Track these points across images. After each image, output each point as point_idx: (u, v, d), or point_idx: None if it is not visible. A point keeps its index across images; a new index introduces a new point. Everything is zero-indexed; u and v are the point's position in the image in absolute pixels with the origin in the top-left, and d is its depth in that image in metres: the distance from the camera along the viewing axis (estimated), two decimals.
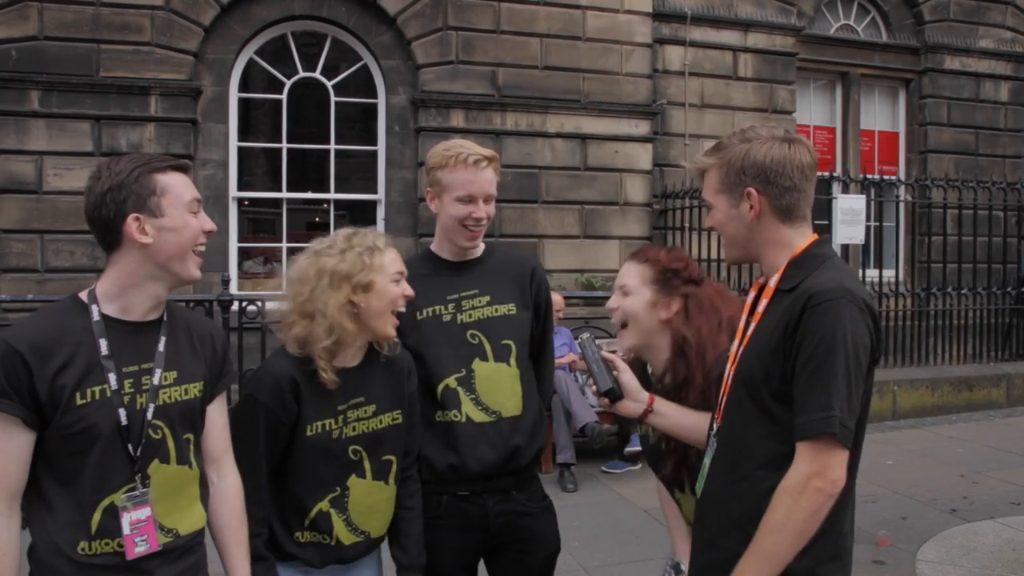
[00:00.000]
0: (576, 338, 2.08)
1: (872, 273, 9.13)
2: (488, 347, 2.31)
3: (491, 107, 8.19)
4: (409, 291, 2.06)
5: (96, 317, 1.68)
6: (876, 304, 1.70)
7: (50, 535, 1.64)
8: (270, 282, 8.07)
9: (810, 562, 1.58)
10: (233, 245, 7.84)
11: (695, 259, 8.73)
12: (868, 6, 10.47)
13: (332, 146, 8.14)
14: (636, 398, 1.97)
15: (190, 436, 1.79)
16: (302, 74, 8.04)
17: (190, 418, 1.79)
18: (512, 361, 2.34)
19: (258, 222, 8.61)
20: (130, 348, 1.70)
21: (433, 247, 2.43)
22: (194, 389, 1.79)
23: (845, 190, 8.81)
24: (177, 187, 1.72)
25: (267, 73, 8.00)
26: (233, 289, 6.43)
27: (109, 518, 1.66)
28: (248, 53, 7.88)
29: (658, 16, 8.93)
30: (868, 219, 8.45)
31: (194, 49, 7.48)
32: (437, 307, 2.32)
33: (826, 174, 8.46)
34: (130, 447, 1.67)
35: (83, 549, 1.64)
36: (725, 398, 1.76)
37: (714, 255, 7.98)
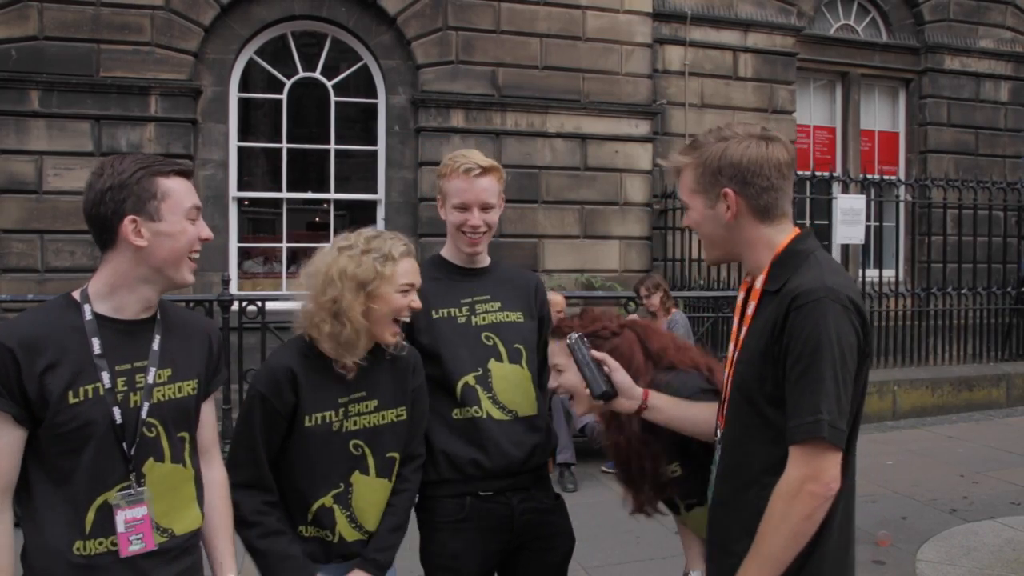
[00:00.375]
0: (566, 339, 2.05)
1: (872, 273, 9.13)
2: (503, 349, 2.35)
3: (491, 107, 8.19)
4: (416, 303, 2.06)
5: (88, 316, 1.68)
6: (862, 298, 1.67)
7: (44, 536, 1.63)
8: (270, 282, 8.07)
9: (815, 562, 1.58)
10: (233, 245, 7.84)
11: (695, 259, 8.73)
12: (868, 6, 10.47)
13: (332, 146, 8.14)
14: (630, 395, 1.95)
15: (185, 435, 1.79)
16: (302, 74, 8.04)
17: (184, 416, 1.79)
18: (524, 364, 2.37)
19: (258, 222, 8.61)
20: (123, 346, 1.70)
21: (444, 252, 2.48)
22: (187, 387, 1.79)
23: (845, 190, 8.81)
24: (178, 192, 1.71)
25: (267, 73, 8.00)
26: (233, 289, 6.43)
27: (103, 517, 1.66)
28: (248, 53, 7.88)
29: (658, 16, 8.93)
30: (868, 219, 8.45)
31: (194, 49, 7.48)
32: (452, 308, 2.35)
33: (826, 174, 8.46)
34: (124, 445, 1.67)
35: (79, 549, 1.64)
36: (725, 404, 1.75)
37: None
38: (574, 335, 2.01)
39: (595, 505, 5.34)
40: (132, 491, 1.68)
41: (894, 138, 10.74)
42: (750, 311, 1.70)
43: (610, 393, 1.94)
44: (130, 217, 1.65)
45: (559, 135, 8.41)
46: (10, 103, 7.05)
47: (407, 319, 2.07)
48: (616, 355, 2.04)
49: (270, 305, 6.06)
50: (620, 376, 1.96)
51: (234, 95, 7.84)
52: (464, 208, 2.33)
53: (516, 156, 8.14)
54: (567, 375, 2.09)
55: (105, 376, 1.66)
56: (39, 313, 1.71)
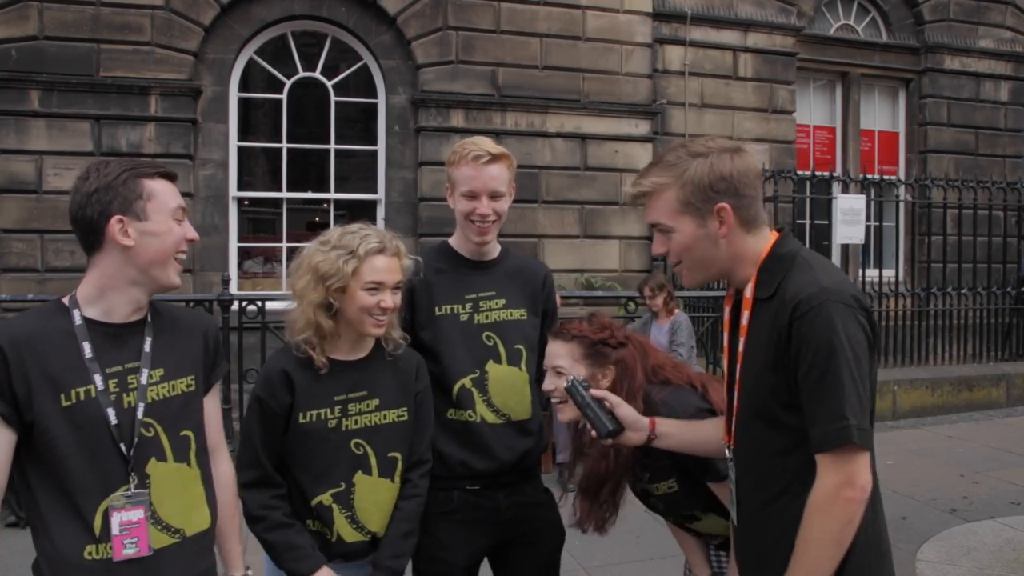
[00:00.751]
0: (564, 384, 1.98)
1: (872, 273, 9.14)
2: (502, 350, 2.34)
3: (491, 107, 8.19)
4: (387, 303, 2.02)
5: (78, 321, 1.68)
6: (863, 295, 1.64)
7: (54, 543, 1.63)
8: (270, 282, 8.07)
9: (854, 564, 1.57)
10: (233, 245, 7.84)
11: None
12: (868, 6, 10.47)
13: (332, 146, 8.14)
14: (637, 427, 1.91)
15: (188, 433, 1.78)
16: (302, 74, 8.04)
17: (184, 414, 1.78)
18: (523, 365, 2.36)
19: (258, 222, 8.61)
20: (114, 349, 1.70)
21: (452, 241, 2.44)
22: (181, 384, 1.79)
23: (845, 190, 8.80)
24: (163, 193, 1.72)
25: (267, 73, 8.00)
26: (233, 289, 6.43)
27: (109, 520, 1.65)
28: (248, 53, 7.88)
29: (658, 16, 8.93)
30: (868, 219, 8.45)
31: (194, 49, 7.48)
32: (455, 305, 2.34)
33: (826, 174, 8.47)
34: (122, 446, 1.67)
35: (90, 553, 1.63)
36: (734, 421, 1.72)
37: None
38: (571, 378, 1.96)
39: None
40: (131, 492, 1.67)
41: (894, 138, 10.74)
42: (744, 321, 1.68)
43: (617, 431, 1.90)
44: (117, 217, 1.66)
45: (559, 135, 8.41)
46: (10, 103, 7.05)
47: (380, 318, 2.03)
48: (621, 367, 2.03)
49: (270, 305, 6.05)
50: (624, 411, 1.91)
51: (234, 95, 7.84)
52: (473, 196, 2.28)
53: (516, 156, 7.94)
54: (568, 412, 2.04)
55: (97, 378, 1.66)
56: (29, 317, 1.72)
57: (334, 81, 8.11)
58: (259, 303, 6.08)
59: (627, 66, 8.67)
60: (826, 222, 8.68)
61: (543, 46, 8.38)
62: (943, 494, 5.48)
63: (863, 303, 1.57)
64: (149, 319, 1.78)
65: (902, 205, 9.46)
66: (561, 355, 2.09)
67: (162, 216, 1.71)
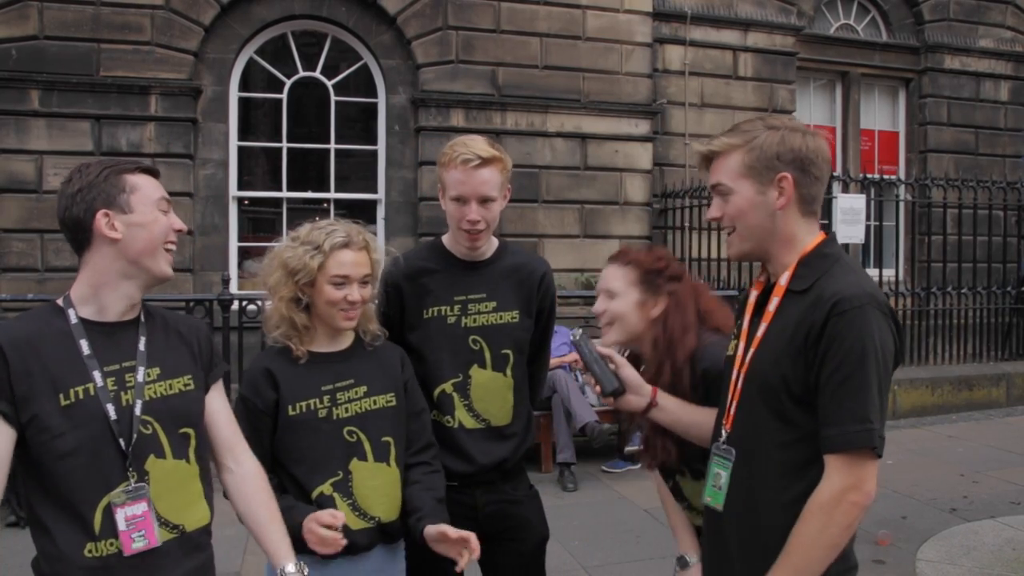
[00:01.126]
0: (572, 338, 2.01)
1: (872, 273, 9.12)
2: (488, 355, 2.32)
3: (491, 107, 8.19)
4: (354, 296, 2.03)
5: (74, 320, 1.70)
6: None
7: (54, 542, 1.63)
8: None
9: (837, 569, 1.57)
10: (233, 244, 7.84)
11: (695, 258, 8.73)
12: (868, 6, 10.47)
13: (332, 145, 8.14)
14: (639, 392, 1.92)
15: (188, 431, 1.79)
16: (302, 73, 8.04)
17: (182, 413, 1.79)
18: (508, 371, 2.35)
19: (258, 221, 8.60)
20: (110, 348, 1.72)
21: (445, 239, 2.39)
22: (178, 384, 1.80)
23: (845, 189, 8.81)
24: (146, 186, 1.75)
25: (267, 73, 8.00)
26: (233, 288, 6.43)
27: (110, 517, 1.66)
28: (248, 53, 7.88)
29: (658, 16, 8.92)
30: (868, 219, 8.45)
31: (194, 49, 7.48)
32: (443, 307, 2.31)
33: None
34: (121, 442, 1.68)
35: (90, 551, 1.64)
36: (735, 404, 1.70)
37: (714, 254, 7.99)
38: (578, 331, 1.98)
39: (595, 505, 5.34)
40: (131, 487, 1.68)
41: (894, 138, 10.74)
42: (771, 307, 1.66)
43: (620, 390, 1.91)
44: (102, 211, 1.68)
45: (559, 135, 8.41)
46: (10, 102, 7.04)
47: (349, 312, 2.04)
48: (674, 300, 2.03)
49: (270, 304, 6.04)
50: (628, 372, 1.93)
51: (234, 94, 7.84)
52: (462, 201, 2.22)
53: (516, 156, 8.12)
54: (618, 302, 2.05)
55: (96, 375, 1.67)
56: (26, 320, 1.74)
57: (334, 81, 8.11)
58: (259, 303, 6.08)
59: (627, 66, 8.67)
60: (826, 222, 8.67)
61: (543, 46, 8.38)
62: (943, 494, 5.48)
63: (895, 316, 1.58)
64: (142, 319, 1.79)
65: (902, 205, 9.46)
66: (616, 278, 2.07)
67: (146, 207, 1.73)
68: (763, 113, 9.21)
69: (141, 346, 1.75)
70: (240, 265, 7.99)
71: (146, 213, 1.73)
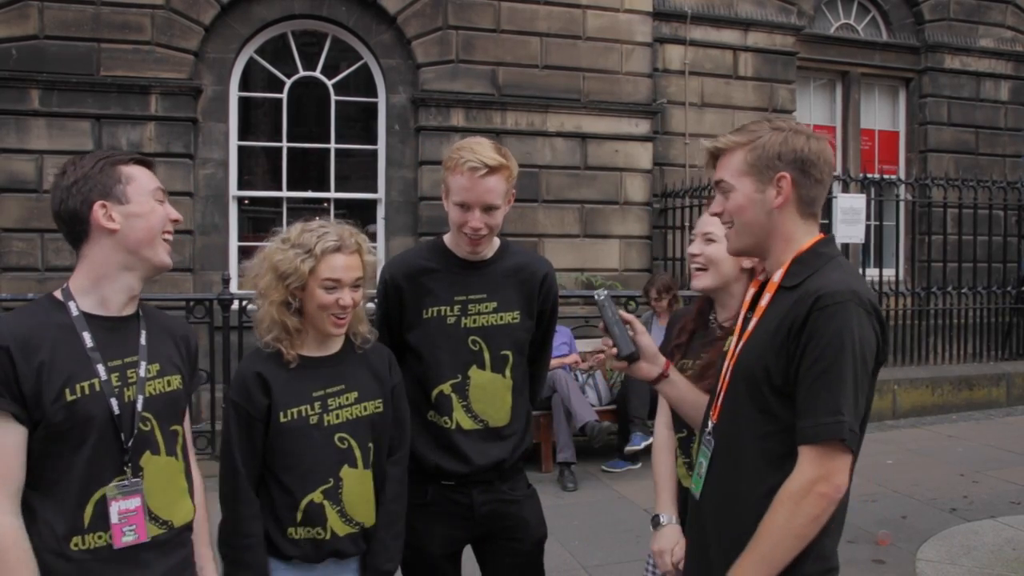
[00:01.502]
0: (594, 296, 2.00)
1: (872, 272, 9.14)
2: (487, 356, 2.31)
3: (491, 106, 8.19)
4: (346, 300, 2.02)
5: (75, 312, 1.70)
6: (880, 306, 1.68)
7: (40, 533, 1.64)
8: None
9: (812, 568, 1.58)
10: (233, 244, 7.84)
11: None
12: (868, 5, 10.47)
13: (332, 145, 8.14)
14: (654, 361, 1.95)
15: (177, 428, 1.81)
16: (302, 73, 8.03)
17: (174, 410, 1.81)
18: (507, 372, 2.34)
19: (258, 221, 8.60)
20: (112, 342, 1.72)
21: (446, 240, 2.38)
22: (176, 381, 1.81)
23: (845, 189, 8.81)
24: (141, 176, 1.75)
25: (267, 72, 8.00)
26: (233, 288, 6.43)
27: (101, 511, 1.67)
28: (248, 52, 7.88)
29: (658, 15, 8.92)
30: (868, 218, 8.45)
31: (194, 48, 7.48)
32: (443, 307, 2.30)
33: None
34: (123, 436, 1.68)
35: (76, 544, 1.65)
36: (723, 395, 1.74)
37: None
38: (603, 292, 1.99)
39: (595, 504, 5.34)
40: (127, 482, 1.69)
41: (894, 137, 10.73)
42: (763, 303, 1.70)
43: (635, 355, 1.93)
44: (99, 203, 1.68)
45: (559, 134, 8.40)
46: (10, 102, 7.04)
47: (340, 315, 2.03)
48: None
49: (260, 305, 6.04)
50: (645, 340, 1.95)
51: (234, 94, 7.84)
52: (466, 208, 2.21)
53: (516, 155, 7.89)
54: (715, 246, 2.10)
55: (101, 369, 1.67)
56: (26, 313, 1.73)
57: (334, 80, 8.11)
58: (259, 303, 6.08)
59: (627, 65, 8.67)
60: (826, 221, 8.66)
61: (543, 45, 8.38)
62: (943, 493, 5.48)
63: (880, 313, 1.60)
64: (141, 314, 1.80)
65: (902, 204, 9.45)
66: (716, 223, 2.03)
67: (143, 197, 1.73)
68: (769, 114, 9.23)
69: (142, 340, 1.76)
70: (240, 265, 7.99)
71: (143, 203, 1.73)
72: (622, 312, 1.96)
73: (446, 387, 2.29)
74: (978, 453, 6.60)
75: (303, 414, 2.03)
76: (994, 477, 5.90)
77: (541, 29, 8.35)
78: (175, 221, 1.80)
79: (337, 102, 8.14)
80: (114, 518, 1.67)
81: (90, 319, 1.70)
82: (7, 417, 1.60)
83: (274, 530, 2.03)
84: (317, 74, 8.08)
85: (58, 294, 1.73)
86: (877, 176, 9.22)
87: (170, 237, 1.79)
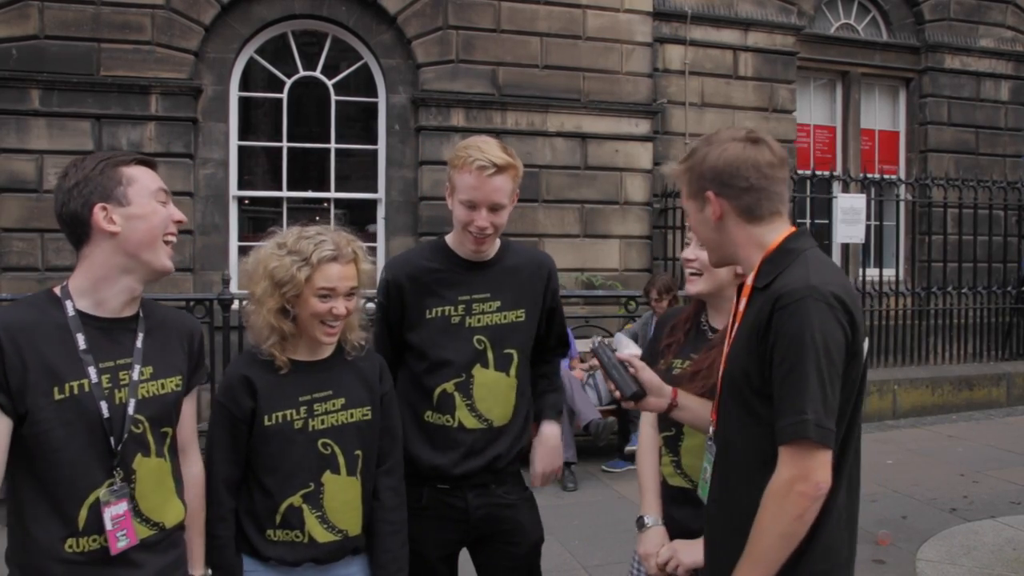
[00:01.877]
0: (591, 345, 2.04)
1: (872, 272, 9.14)
2: (491, 355, 2.31)
3: (491, 106, 8.19)
4: (340, 310, 2.01)
5: (71, 312, 1.69)
6: (855, 295, 1.66)
7: (33, 535, 1.63)
8: None
9: (821, 566, 1.59)
10: (233, 244, 7.84)
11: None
12: (868, 5, 10.47)
13: (332, 145, 8.14)
14: (660, 393, 1.98)
15: (167, 430, 1.82)
16: (302, 73, 8.03)
17: (167, 412, 1.81)
18: (512, 371, 2.34)
19: (258, 221, 8.60)
20: (106, 343, 1.71)
21: (449, 240, 2.38)
22: (171, 384, 1.81)
23: (845, 189, 8.81)
24: (143, 177, 1.74)
25: (267, 72, 8.00)
26: (233, 288, 6.42)
27: (94, 514, 1.66)
28: (248, 52, 7.88)
29: (658, 15, 8.92)
30: (868, 218, 8.45)
31: (194, 48, 7.48)
32: (447, 307, 2.30)
33: (826, 173, 8.46)
34: (112, 440, 1.68)
35: (71, 547, 1.65)
36: (718, 400, 1.77)
37: None
38: (597, 339, 2.02)
39: (595, 504, 5.34)
40: (116, 486, 1.69)
41: (894, 137, 10.73)
42: (741, 307, 1.72)
43: (640, 393, 1.95)
44: (100, 205, 1.67)
45: (559, 134, 8.40)
46: (11, 102, 7.04)
47: (332, 324, 2.03)
48: None
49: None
50: (647, 375, 1.98)
51: (234, 94, 7.84)
52: (472, 207, 2.22)
53: (516, 155, 8.12)
54: (700, 283, 2.14)
55: (92, 371, 1.66)
56: (22, 307, 1.72)
57: (334, 80, 8.11)
58: None
59: (627, 65, 8.67)
60: (826, 221, 8.68)
61: (543, 45, 8.38)
62: (943, 493, 5.49)
63: (848, 305, 1.58)
64: (141, 315, 1.78)
65: (902, 204, 9.45)
66: None
67: (144, 199, 1.72)
68: (768, 114, 9.24)
69: (138, 343, 1.75)
70: (240, 264, 7.99)
71: (144, 205, 1.72)
72: (619, 354, 1.98)
73: (449, 386, 2.28)
74: (978, 453, 6.60)
75: (288, 418, 2.02)
76: (994, 477, 5.90)
77: (541, 29, 8.35)
78: (178, 222, 1.79)
79: (337, 102, 8.14)
80: (108, 524, 1.66)
81: (85, 320, 1.69)
82: None
83: (254, 531, 2.03)
84: (317, 74, 8.08)
85: (57, 291, 1.73)
86: (877, 176, 9.23)
87: (173, 239, 1.78)
